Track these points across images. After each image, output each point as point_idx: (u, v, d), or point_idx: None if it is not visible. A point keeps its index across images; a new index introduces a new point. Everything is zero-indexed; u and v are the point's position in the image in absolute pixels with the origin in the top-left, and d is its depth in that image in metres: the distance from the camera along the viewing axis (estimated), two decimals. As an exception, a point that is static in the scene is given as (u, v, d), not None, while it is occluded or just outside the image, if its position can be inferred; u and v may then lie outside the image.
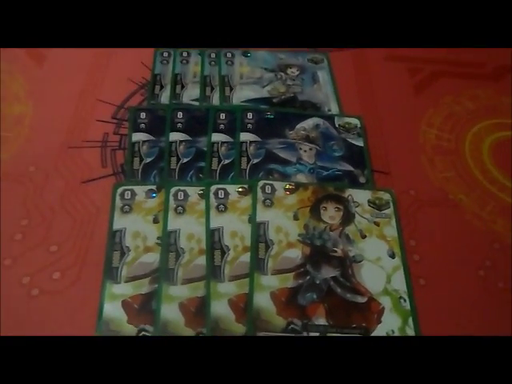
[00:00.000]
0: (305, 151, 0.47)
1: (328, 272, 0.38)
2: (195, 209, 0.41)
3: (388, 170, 0.47)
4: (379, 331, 0.36)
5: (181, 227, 0.40)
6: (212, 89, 0.51)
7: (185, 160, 0.45)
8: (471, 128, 0.52)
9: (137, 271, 0.38)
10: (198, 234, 0.40)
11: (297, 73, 0.55)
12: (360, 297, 0.37)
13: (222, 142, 0.46)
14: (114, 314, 0.36)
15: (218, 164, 0.45)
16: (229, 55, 0.55)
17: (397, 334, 0.36)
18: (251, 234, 0.40)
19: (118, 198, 0.42)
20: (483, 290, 0.40)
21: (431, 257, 0.42)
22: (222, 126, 0.47)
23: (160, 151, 0.45)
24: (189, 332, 0.35)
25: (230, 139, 0.47)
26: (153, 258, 0.39)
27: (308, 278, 0.38)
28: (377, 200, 0.43)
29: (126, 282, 0.38)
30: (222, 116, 0.48)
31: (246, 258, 0.39)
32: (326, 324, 0.36)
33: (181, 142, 0.46)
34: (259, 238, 0.39)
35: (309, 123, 0.49)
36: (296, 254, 0.39)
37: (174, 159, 0.45)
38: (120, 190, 0.42)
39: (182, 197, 0.42)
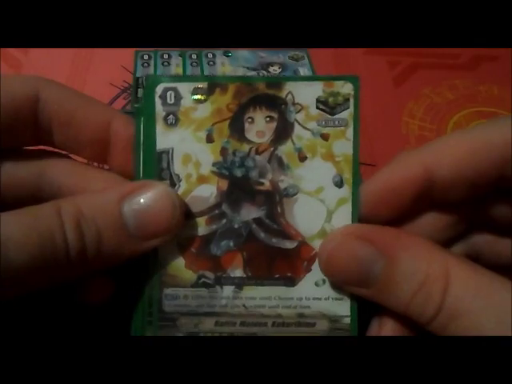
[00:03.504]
0: (292, 147, 0.47)
1: (250, 213, 0.29)
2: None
3: (374, 162, 0.48)
4: (306, 281, 0.29)
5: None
6: (196, 90, 0.51)
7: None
8: (452, 117, 0.53)
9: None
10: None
11: (279, 70, 0.55)
12: (288, 241, 0.29)
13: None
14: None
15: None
16: (210, 55, 0.55)
17: (327, 283, 0.29)
18: (146, 167, 0.29)
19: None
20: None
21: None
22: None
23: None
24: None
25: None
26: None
27: (224, 221, 0.29)
28: (330, 97, 0.30)
29: None
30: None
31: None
32: (244, 276, 0.29)
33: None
34: (161, 173, 0.29)
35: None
36: (209, 192, 0.29)
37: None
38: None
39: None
